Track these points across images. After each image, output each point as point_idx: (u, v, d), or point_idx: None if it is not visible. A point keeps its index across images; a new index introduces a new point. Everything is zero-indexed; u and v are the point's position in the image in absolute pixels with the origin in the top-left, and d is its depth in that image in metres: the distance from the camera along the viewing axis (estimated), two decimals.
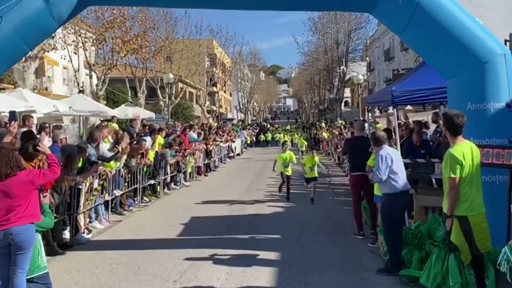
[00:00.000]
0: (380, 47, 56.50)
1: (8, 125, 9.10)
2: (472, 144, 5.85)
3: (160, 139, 15.78)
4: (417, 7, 7.12)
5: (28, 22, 6.85)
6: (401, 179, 7.12)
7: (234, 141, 32.08)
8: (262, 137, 49.79)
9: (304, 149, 29.52)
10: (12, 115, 11.57)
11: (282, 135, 44.53)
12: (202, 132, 23.82)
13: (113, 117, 18.98)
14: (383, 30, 49.20)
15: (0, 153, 5.12)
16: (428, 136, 11.72)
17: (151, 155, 13.80)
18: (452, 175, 5.52)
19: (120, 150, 11.51)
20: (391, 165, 7.07)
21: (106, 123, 17.43)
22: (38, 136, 12.04)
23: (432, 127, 13.06)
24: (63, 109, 17.20)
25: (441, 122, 10.90)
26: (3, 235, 5.02)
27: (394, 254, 7.03)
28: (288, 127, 71.19)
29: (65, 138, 10.85)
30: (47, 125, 14.83)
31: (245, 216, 11.74)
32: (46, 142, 10.93)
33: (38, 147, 5.91)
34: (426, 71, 9.38)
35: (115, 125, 17.28)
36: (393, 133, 9.67)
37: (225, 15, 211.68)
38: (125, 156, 12.00)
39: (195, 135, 21.07)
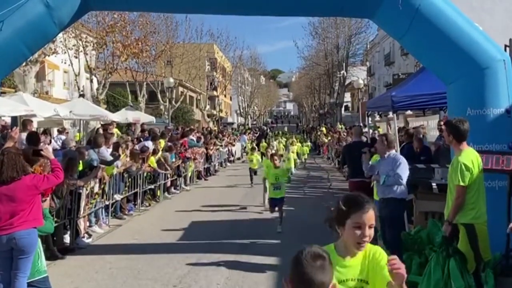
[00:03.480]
0: (380, 52, 56.57)
1: (10, 130, 9.17)
2: (474, 150, 5.90)
3: (162, 143, 15.81)
4: (417, 12, 7.14)
5: (29, 26, 6.87)
6: (405, 186, 7.25)
7: (234, 145, 32.07)
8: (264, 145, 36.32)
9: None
10: (14, 120, 11.60)
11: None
12: (202, 137, 23.83)
13: (113, 121, 19.03)
14: (383, 35, 49.26)
15: (7, 156, 5.15)
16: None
17: (152, 161, 13.83)
18: (462, 184, 5.52)
19: (121, 154, 11.56)
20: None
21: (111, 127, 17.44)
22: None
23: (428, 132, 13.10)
24: (63, 113, 17.18)
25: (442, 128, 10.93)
26: (6, 239, 5.03)
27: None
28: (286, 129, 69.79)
29: (74, 146, 10.90)
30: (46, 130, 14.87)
31: (245, 220, 11.74)
32: (47, 146, 10.95)
33: (42, 152, 5.92)
34: (426, 76, 9.40)
35: (116, 130, 17.31)
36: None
37: (226, 19, 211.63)
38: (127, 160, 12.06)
39: (194, 140, 21.09)
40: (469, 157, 5.65)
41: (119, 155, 11.57)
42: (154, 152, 14.39)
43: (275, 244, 9.24)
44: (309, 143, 32.84)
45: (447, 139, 5.99)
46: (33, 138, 8.69)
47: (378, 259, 2.72)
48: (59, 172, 5.51)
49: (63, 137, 16.06)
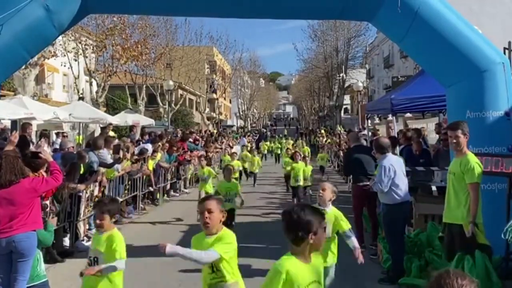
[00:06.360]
0: (380, 54, 56.63)
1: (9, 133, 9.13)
2: None
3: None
4: (416, 15, 7.16)
5: (29, 30, 6.88)
6: (402, 190, 6.98)
7: (231, 147, 31.99)
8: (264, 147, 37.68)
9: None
10: (13, 124, 11.60)
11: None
12: (200, 139, 23.80)
13: (110, 124, 19.07)
14: (382, 37, 49.33)
15: (5, 160, 5.15)
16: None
17: (151, 163, 13.82)
18: (479, 181, 5.71)
19: (122, 156, 11.55)
20: (394, 177, 6.92)
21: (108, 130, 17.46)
22: (38, 142, 12.07)
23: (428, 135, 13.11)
24: (63, 116, 17.20)
25: (441, 128, 10.93)
26: (5, 242, 5.03)
27: (396, 262, 7.00)
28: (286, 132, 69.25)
29: (73, 147, 10.86)
30: (46, 131, 14.88)
31: (243, 224, 11.70)
32: (45, 148, 10.94)
33: (40, 154, 5.92)
34: (425, 79, 9.42)
35: (112, 133, 17.33)
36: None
37: (226, 22, 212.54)
38: (128, 163, 12.06)
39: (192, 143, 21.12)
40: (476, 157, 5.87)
41: (119, 158, 11.56)
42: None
43: (274, 248, 9.21)
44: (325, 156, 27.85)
45: (463, 141, 5.93)
46: (22, 142, 8.24)
47: None
48: (58, 174, 5.51)
49: (59, 140, 16.12)
